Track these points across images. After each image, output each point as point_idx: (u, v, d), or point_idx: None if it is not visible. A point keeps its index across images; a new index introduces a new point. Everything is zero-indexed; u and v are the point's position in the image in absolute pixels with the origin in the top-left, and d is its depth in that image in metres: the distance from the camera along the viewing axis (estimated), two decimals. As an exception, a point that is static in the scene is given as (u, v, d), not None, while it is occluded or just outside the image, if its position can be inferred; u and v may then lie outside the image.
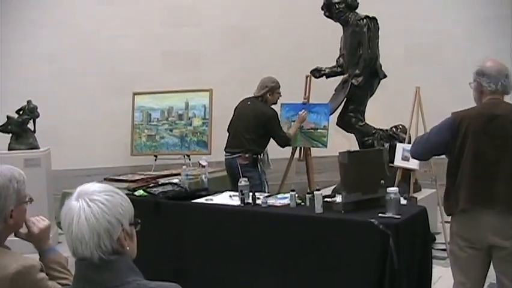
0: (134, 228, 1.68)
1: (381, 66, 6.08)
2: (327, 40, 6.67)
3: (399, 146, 5.35)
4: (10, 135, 6.17)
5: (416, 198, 5.29)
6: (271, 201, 4.09)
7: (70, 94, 7.24)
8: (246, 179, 4.23)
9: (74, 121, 7.24)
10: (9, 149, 6.13)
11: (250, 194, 4.10)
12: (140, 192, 4.64)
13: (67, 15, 7.25)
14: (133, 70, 7.27)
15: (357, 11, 6.12)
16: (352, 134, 6.39)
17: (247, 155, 5.40)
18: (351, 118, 6.20)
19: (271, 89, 5.52)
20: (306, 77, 6.27)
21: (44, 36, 7.16)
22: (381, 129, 6.19)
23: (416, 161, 4.86)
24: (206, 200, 4.36)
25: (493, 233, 3.04)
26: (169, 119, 7.03)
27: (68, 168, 6.88)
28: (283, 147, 5.86)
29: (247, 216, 4.05)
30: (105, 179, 5.63)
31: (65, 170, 6.76)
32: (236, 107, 5.68)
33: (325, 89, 6.33)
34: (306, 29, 7.43)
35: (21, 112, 6.18)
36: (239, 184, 4.17)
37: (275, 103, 5.66)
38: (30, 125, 6.23)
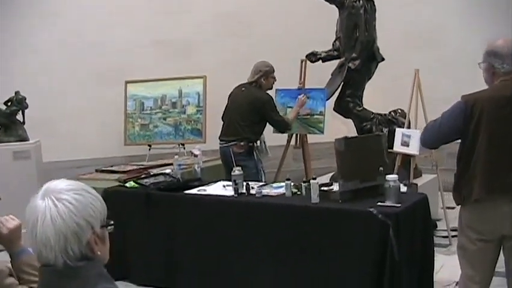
0: (107, 229, 1.53)
1: (378, 49, 5.91)
2: (322, 24, 6.48)
3: (399, 131, 5.20)
4: (-2, 127, 6.02)
5: (417, 184, 5.15)
6: (265, 190, 3.97)
7: (61, 84, 7.05)
8: (240, 168, 4.09)
9: (65, 112, 7.06)
10: (-3, 142, 5.98)
11: (244, 183, 3.97)
12: (131, 183, 4.52)
13: (55, 5, 7.06)
14: (124, 59, 7.07)
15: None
16: (350, 120, 6.23)
17: (242, 143, 5.24)
18: (348, 103, 6.03)
19: (265, 73, 5.35)
20: (301, 62, 6.09)
21: (32, 26, 6.96)
22: (379, 114, 6.04)
23: (417, 146, 4.70)
24: (199, 190, 4.23)
25: (508, 221, 2.88)
26: (163, 107, 6.86)
27: (59, 160, 6.72)
28: (282, 132, 5.70)
29: (241, 207, 3.93)
30: (96, 171, 5.51)
31: (56, 162, 6.59)
32: (230, 94, 5.52)
33: (321, 74, 6.15)
34: (300, 13, 7.24)
35: (9, 103, 6.01)
36: (232, 173, 4.05)
37: (270, 88, 5.49)
38: (19, 117, 6.07)
